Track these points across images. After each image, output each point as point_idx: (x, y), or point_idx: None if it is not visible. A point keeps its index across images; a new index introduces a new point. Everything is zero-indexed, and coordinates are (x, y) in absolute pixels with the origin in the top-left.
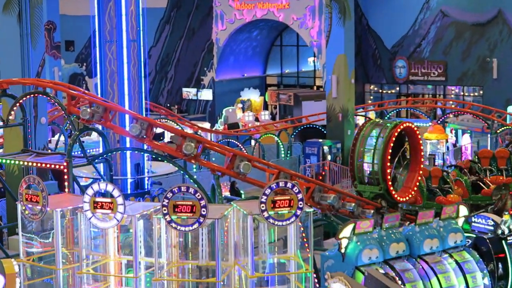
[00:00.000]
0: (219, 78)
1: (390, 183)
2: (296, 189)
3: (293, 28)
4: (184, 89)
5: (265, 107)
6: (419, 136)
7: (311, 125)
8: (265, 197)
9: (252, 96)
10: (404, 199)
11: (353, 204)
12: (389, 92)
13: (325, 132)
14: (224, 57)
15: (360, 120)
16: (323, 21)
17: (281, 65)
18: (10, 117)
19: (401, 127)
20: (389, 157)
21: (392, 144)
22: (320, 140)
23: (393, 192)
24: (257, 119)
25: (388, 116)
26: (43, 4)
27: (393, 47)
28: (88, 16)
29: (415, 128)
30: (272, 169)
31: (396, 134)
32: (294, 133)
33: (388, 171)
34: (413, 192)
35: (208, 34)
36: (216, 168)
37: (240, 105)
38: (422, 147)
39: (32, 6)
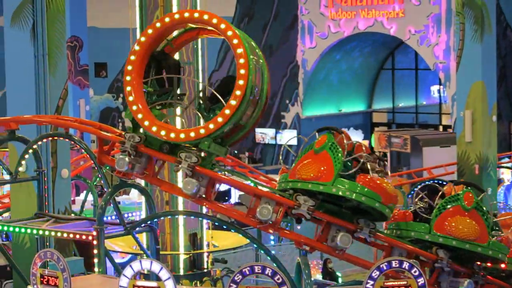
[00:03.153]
0: (306, 115)
1: (130, 98)
2: (415, 271)
3: (410, 45)
4: (258, 130)
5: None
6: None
7: (435, 181)
8: (371, 282)
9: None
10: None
11: None
12: None
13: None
14: (314, 86)
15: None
16: (452, 35)
17: (393, 97)
18: (20, 169)
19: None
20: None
21: (144, 39)
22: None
23: (139, 117)
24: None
25: None
26: (66, 14)
27: None
28: (126, 29)
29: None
30: (382, 242)
31: (158, 25)
32: (412, 192)
33: (129, 79)
34: (204, 129)
35: (291, 53)
36: (303, 241)
37: None
38: (239, 51)
39: (50, 17)
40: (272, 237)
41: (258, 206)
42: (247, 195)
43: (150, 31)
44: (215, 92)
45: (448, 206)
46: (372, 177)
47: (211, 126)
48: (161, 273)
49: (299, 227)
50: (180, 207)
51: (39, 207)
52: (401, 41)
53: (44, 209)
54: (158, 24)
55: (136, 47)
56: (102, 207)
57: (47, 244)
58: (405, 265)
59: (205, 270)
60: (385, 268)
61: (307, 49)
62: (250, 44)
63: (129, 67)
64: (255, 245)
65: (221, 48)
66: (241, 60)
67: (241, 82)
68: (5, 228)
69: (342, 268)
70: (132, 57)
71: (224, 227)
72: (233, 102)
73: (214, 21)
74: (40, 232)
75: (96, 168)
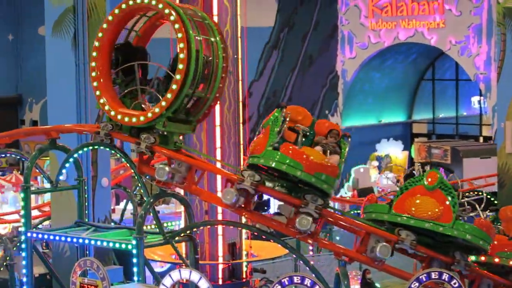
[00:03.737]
0: (346, 125)
1: (97, 92)
2: (455, 283)
3: (451, 56)
4: None
5: (411, 165)
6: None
7: (476, 192)
8: None
9: (393, 150)
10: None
11: None
12: None
13: (495, 202)
14: (353, 96)
15: None
16: (493, 45)
17: (433, 108)
18: (61, 178)
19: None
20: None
21: (106, 27)
22: (489, 214)
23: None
24: (400, 183)
25: None
26: None
27: None
28: (166, 39)
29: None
30: (421, 254)
31: (116, 12)
32: None
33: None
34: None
35: (331, 63)
36: (342, 252)
37: (375, 163)
38: (177, 26)
39: (91, 25)
40: (311, 247)
41: (297, 216)
42: (287, 206)
43: (110, 18)
44: (168, 71)
45: (411, 186)
46: (294, 147)
47: (163, 103)
48: (200, 283)
49: (338, 238)
50: (219, 217)
51: (79, 215)
52: (441, 52)
53: (84, 218)
54: (116, 11)
55: (100, 34)
56: (142, 216)
57: (87, 252)
58: (445, 276)
59: (244, 280)
60: (424, 279)
61: (347, 60)
62: (197, 20)
63: (94, 53)
64: (294, 255)
65: (261, 58)
66: (179, 35)
67: (181, 56)
68: (45, 236)
69: (381, 279)
70: (97, 44)
71: (263, 236)
72: (177, 77)
73: (155, 3)
74: (80, 240)
75: (136, 177)
